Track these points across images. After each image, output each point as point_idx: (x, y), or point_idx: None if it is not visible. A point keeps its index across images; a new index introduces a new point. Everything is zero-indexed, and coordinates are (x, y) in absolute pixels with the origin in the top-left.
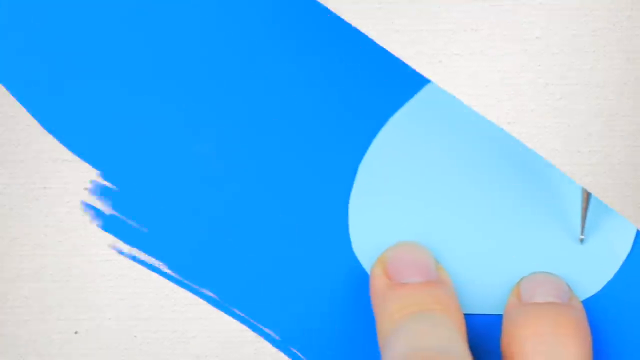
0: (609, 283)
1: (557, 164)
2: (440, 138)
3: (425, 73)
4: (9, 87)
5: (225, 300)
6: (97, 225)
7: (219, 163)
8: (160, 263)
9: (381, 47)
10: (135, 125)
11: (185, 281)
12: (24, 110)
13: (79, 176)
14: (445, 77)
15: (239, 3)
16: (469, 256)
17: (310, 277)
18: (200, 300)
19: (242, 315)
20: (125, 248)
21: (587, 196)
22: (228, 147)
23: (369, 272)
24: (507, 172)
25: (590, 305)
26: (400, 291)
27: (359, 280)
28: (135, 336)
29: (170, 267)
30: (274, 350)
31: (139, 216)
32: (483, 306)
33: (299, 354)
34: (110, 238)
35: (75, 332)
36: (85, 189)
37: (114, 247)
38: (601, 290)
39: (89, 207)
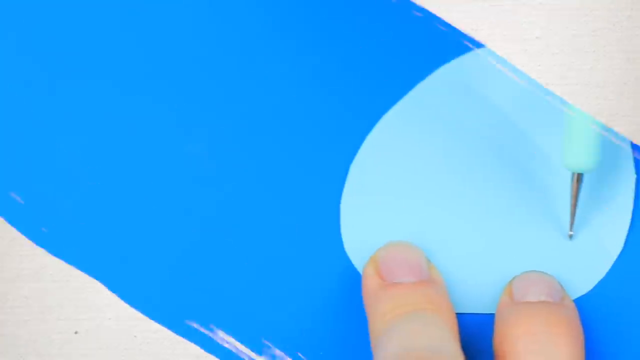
0: (601, 282)
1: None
2: (432, 137)
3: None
4: None
5: (217, 300)
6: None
7: (210, 163)
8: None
9: (372, 45)
10: (125, 125)
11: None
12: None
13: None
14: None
15: (229, 3)
16: (461, 255)
17: (302, 277)
18: None
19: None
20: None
21: (576, 192)
22: (218, 147)
23: (361, 272)
24: (499, 171)
25: (583, 304)
26: (392, 291)
27: (351, 280)
28: (135, 336)
29: (163, 267)
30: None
31: (128, 215)
32: (475, 305)
33: (298, 354)
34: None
35: (75, 332)
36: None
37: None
38: (593, 289)
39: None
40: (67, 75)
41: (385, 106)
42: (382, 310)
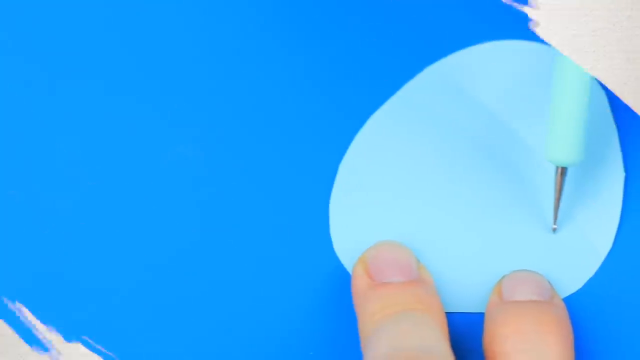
0: (591, 280)
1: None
2: (420, 136)
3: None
4: None
5: (207, 302)
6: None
7: (200, 163)
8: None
9: (360, 45)
10: (115, 126)
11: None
12: None
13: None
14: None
15: (219, 5)
16: (450, 254)
17: (292, 278)
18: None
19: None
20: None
21: (559, 187)
22: (208, 147)
23: (350, 272)
24: (488, 170)
25: (572, 303)
26: (382, 291)
27: (341, 280)
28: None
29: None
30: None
31: (120, 217)
32: (465, 305)
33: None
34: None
35: None
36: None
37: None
38: (582, 288)
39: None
40: (57, 76)
41: (374, 106)
42: (372, 310)
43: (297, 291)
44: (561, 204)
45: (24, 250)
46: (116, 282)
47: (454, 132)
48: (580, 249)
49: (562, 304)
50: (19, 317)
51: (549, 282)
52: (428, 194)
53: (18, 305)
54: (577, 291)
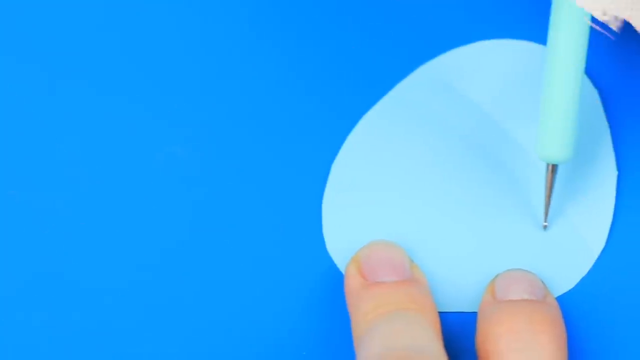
0: (584, 279)
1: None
2: (413, 136)
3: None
4: None
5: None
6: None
7: (191, 163)
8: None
9: (352, 45)
10: (107, 126)
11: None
12: None
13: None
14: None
15: (211, 5)
16: (443, 254)
17: (284, 277)
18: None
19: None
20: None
21: (550, 184)
22: (199, 147)
23: (343, 272)
24: (481, 169)
25: (565, 302)
26: (375, 290)
27: (334, 280)
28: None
29: (144, 267)
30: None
31: (111, 216)
32: (458, 304)
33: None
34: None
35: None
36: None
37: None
38: (576, 287)
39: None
40: (50, 77)
41: (366, 105)
42: (364, 310)
43: (290, 291)
44: (555, 203)
45: (16, 250)
46: (107, 282)
47: (447, 131)
48: (574, 248)
49: (556, 303)
50: None
51: (542, 281)
52: (421, 193)
53: None
54: (571, 290)
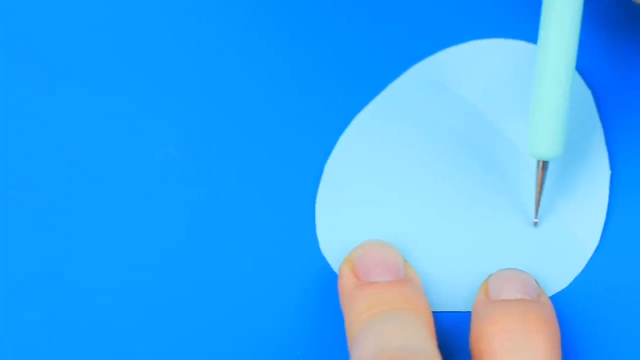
0: (577, 278)
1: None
2: (406, 136)
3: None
4: None
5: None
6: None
7: (186, 164)
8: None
9: (345, 45)
10: (100, 127)
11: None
12: None
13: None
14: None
15: (204, 6)
16: (437, 253)
17: (278, 277)
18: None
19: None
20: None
21: (541, 180)
22: (194, 148)
23: (337, 272)
24: (474, 168)
25: (559, 301)
26: (368, 290)
27: (328, 280)
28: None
29: (138, 267)
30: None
31: (107, 216)
32: (452, 303)
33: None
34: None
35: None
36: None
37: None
38: (570, 286)
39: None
40: (44, 78)
41: (359, 105)
42: (358, 310)
43: (283, 291)
44: (549, 203)
45: (9, 251)
46: (100, 281)
47: (439, 130)
48: (567, 247)
49: (549, 303)
50: None
51: (536, 281)
52: (414, 192)
53: None
54: (564, 289)
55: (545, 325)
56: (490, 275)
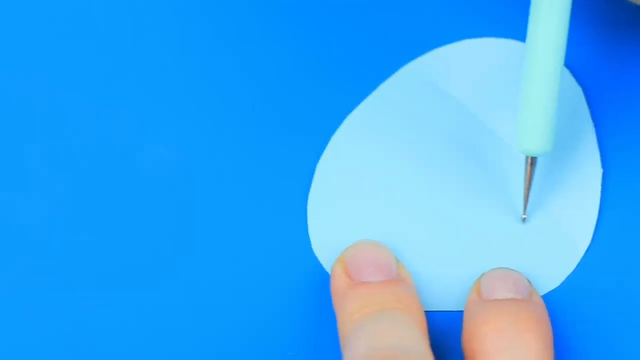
0: (569, 277)
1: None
2: (396, 136)
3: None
4: None
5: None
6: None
7: (176, 165)
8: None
9: (335, 45)
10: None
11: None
12: None
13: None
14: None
15: (194, 5)
16: (429, 253)
17: (270, 278)
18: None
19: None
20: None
21: (529, 176)
22: (184, 148)
23: (329, 272)
24: (465, 168)
25: (551, 300)
26: (361, 290)
27: (320, 280)
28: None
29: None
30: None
31: (95, 216)
32: (444, 303)
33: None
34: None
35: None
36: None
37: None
38: (562, 285)
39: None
40: (35, 79)
41: (350, 105)
42: (350, 310)
43: (275, 291)
44: (540, 202)
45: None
46: (89, 283)
47: (431, 130)
48: (560, 246)
49: (541, 302)
50: None
51: (528, 280)
52: (406, 192)
53: None
54: (557, 288)
55: (537, 324)
56: (482, 275)
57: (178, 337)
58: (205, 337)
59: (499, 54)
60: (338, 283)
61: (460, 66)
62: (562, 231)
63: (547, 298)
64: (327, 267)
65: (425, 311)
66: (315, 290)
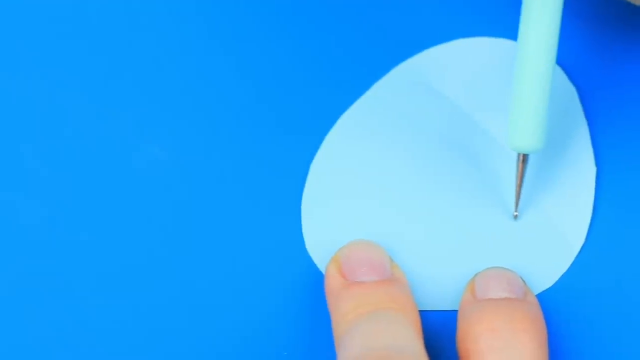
0: (564, 276)
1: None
2: (390, 135)
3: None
4: None
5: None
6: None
7: (170, 164)
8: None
9: (329, 46)
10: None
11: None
12: None
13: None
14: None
15: (187, 6)
16: (424, 252)
17: (264, 278)
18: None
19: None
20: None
21: (521, 174)
22: (178, 147)
23: (323, 272)
24: (459, 167)
25: (545, 299)
26: (355, 290)
27: (314, 280)
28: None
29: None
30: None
31: (90, 216)
32: (439, 303)
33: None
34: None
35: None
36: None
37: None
38: (556, 284)
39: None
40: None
41: (344, 105)
42: (345, 310)
43: (270, 291)
44: (534, 201)
45: None
46: (83, 283)
47: (425, 129)
48: (554, 245)
49: (536, 301)
50: None
51: (523, 279)
52: (400, 192)
53: None
54: (551, 287)
55: (532, 324)
56: (476, 274)
57: (173, 336)
58: (200, 336)
59: (491, 53)
60: (332, 283)
61: (453, 66)
62: (557, 230)
63: (542, 297)
64: (321, 266)
65: (420, 311)
66: (309, 290)
